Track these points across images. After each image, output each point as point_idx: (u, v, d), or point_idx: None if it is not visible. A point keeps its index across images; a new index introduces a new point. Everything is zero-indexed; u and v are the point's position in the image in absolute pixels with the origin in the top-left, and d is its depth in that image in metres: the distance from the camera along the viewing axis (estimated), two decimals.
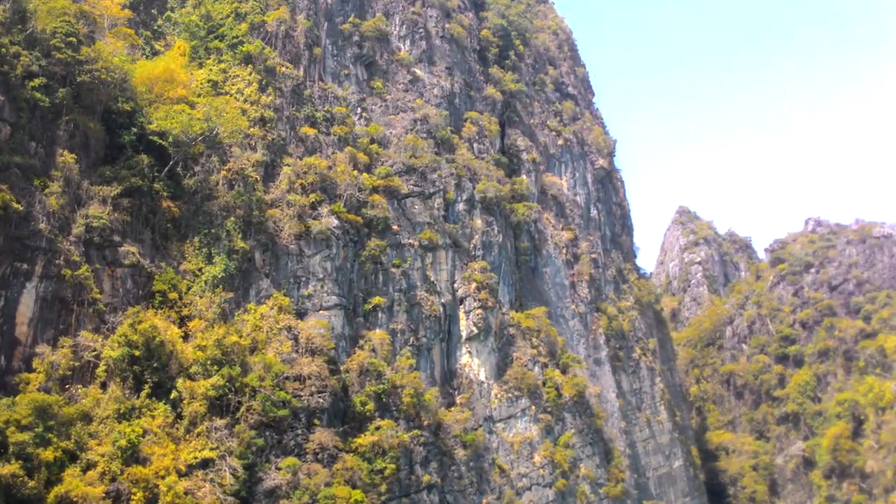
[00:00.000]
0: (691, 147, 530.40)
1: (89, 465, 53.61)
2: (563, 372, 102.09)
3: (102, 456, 54.18)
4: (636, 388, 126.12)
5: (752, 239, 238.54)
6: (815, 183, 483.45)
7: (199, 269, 70.11)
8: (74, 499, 50.56)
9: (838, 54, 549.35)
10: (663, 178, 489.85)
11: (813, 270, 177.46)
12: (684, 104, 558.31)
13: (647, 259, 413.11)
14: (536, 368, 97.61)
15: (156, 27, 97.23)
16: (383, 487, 69.47)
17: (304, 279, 76.59)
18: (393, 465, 71.09)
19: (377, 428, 72.32)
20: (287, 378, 67.01)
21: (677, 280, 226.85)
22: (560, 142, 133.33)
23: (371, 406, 73.87)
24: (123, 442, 55.04)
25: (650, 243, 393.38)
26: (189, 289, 68.80)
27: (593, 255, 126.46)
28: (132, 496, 53.59)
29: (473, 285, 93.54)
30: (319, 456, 65.34)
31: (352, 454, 68.54)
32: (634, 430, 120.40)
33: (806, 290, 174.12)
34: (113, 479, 53.68)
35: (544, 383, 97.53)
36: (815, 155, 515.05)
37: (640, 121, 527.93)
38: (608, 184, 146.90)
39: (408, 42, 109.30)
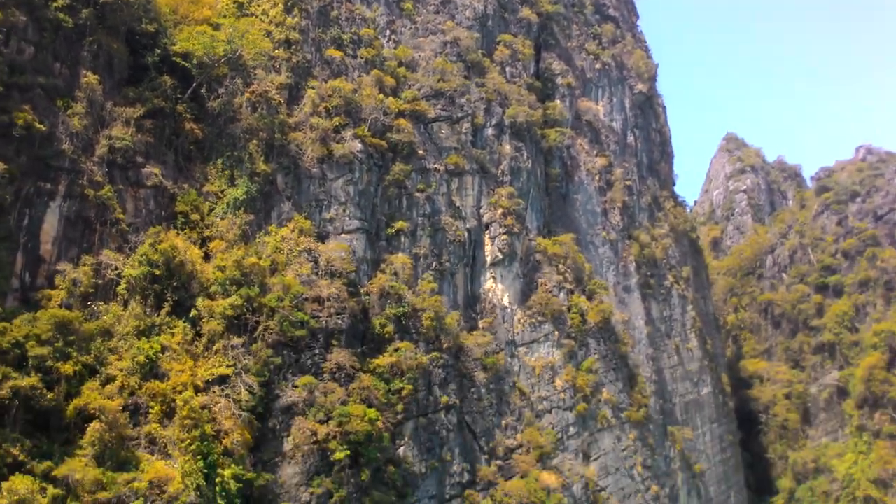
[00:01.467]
0: (742, 73, 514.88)
1: (108, 380, 55.26)
2: (590, 298, 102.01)
3: (121, 371, 55.88)
4: (666, 315, 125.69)
5: (802, 167, 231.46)
6: (870, 110, 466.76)
7: (222, 191, 71.00)
8: (92, 411, 52.15)
9: None
10: (713, 106, 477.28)
11: (859, 199, 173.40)
12: (736, 31, 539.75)
13: (693, 188, 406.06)
14: (562, 294, 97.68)
15: None
16: (400, 407, 70.44)
17: (325, 203, 76.80)
18: (410, 386, 71.88)
19: (396, 350, 73.16)
20: (306, 299, 67.84)
21: (721, 208, 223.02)
22: (598, 66, 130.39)
23: (390, 328, 74.58)
24: (142, 358, 56.79)
25: (697, 172, 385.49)
26: (211, 210, 69.84)
27: (628, 182, 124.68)
28: (150, 409, 55.69)
29: (500, 211, 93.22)
30: (336, 375, 66.40)
31: (369, 374, 69.26)
32: (662, 357, 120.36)
33: (850, 219, 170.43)
34: (132, 394, 55.61)
35: (569, 309, 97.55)
36: (870, 79, 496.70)
37: (689, 45, 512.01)
38: (648, 109, 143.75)
39: None
